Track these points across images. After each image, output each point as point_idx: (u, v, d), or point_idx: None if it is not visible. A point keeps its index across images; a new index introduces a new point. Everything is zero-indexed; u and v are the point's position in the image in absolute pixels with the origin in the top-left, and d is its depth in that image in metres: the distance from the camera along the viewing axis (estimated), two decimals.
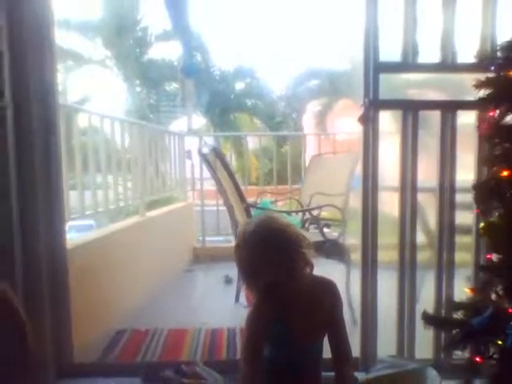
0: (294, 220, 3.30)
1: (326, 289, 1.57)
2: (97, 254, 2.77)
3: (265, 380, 1.50)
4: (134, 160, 3.65)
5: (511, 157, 1.18)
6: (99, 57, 12.29)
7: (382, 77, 1.94)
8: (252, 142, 7.32)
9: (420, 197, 2.88)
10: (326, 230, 3.16)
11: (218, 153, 2.99)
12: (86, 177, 3.04)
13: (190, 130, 4.90)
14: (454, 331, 1.25)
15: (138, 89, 11.71)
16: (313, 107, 9.38)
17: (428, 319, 1.32)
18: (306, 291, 1.51)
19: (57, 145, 2.13)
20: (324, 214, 3.52)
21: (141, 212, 3.57)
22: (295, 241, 1.49)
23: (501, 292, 1.18)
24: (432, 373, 1.57)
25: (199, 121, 10.44)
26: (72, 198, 2.83)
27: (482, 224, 1.27)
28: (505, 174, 1.16)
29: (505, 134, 1.19)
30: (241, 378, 1.50)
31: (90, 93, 11.08)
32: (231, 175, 2.89)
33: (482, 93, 1.35)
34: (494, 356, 1.17)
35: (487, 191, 1.22)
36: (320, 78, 10.42)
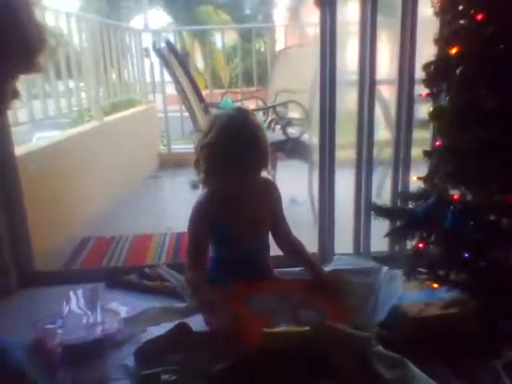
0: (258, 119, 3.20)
1: (266, 188, 1.56)
2: (53, 159, 2.67)
3: (214, 279, 1.51)
4: (86, 61, 3.41)
5: (462, 30, 1.08)
6: None
7: None
8: (221, 40, 6.88)
9: (385, 91, 2.81)
10: (291, 130, 3.08)
11: (171, 46, 2.79)
12: (33, 86, 2.85)
13: (147, 25, 4.55)
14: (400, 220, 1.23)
15: None
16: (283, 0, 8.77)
17: (376, 209, 1.31)
18: (249, 192, 1.50)
19: None
20: (293, 113, 3.42)
21: (97, 116, 3.40)
22: (265, 145, 1.44)
23: (444, 177, 1.15)
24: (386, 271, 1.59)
25: (162, 18, 9.74)
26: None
27: (430, 109, 1.20)
28: (453, 51, 1.07)
29: (459, 8, 1.08)
30: (187, 281, 1.51)
31: None
32: (187, 71, 2.73)
33: None
34: (435, 240, 1.17)
35: (436, 71, 1.13)
36: None
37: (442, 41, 1.17)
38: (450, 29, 1.14)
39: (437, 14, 1.17)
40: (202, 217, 1.48)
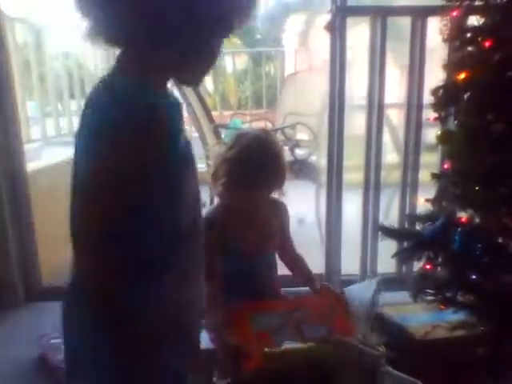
0: None
1: (277, 208, 1.59)
2: (63, 176, 2.68)
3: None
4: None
5: (470, 57, 1.10)
6: None
7: None
8: (232, 63, 6.99)
9: (392, 114, 2.84)
10: (299, 151, 3.10)
11: None
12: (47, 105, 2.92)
13: None
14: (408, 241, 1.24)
15: None
16: (293, 23, 8.90)
17: (384, 230, 1.31)
18: (260, 210, 1.52)
19: (5, 61, 1.99)
20: (300, 135, 3.45)
21: None
22: (284, 168, 1.48)
23: (452, 200, 1.16)
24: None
25: None
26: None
27: (438, 132, 1.22)
28: (461, 76, 1.09)
29: (467, 34, 1.10)
30: (206, 295, 1.52)
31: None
32: (198, 93, 2.77)
33: None
34: (443, 262, 1.17)
35: (444, 96, 1.15)
36: None
37: (451, 66, 1.20)
38: (458, 55, 1.16)
39: (445, 40, 1.20)
40: (211, 227, 1.51)
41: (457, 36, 1.15)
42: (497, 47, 1.05)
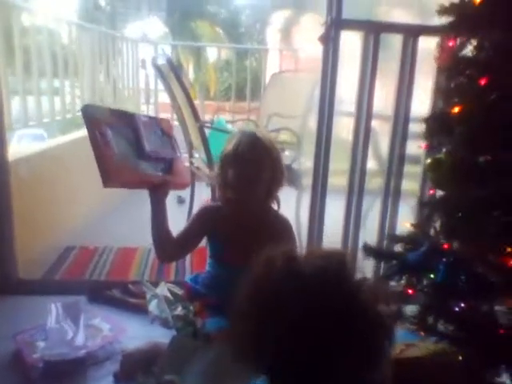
0: None
1: (280, 228, 1.55)
2: (43, 166, 2.65)
3: (202, 294, 1.56)
4: (82, 66, 3.41)
5: (465, 91, 1.13)
6: None
7: None
8: (213, 54, 6.95)
9: (375, 124, 2.88)
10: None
11: (172, 65, 2.80)
12: (29, 81, 2.83)
13: (145, 36, 4.56)
14: (390, 263, 1.27)
15: None
16: (277, 19, 8.84)
17: (368, 250, 1.34)
18: (253, 220, 1.51)
19: None
20: (283, 137, 3.45)
21: None
22: (272, 171, 1.48)
23: (438, 228, 1.20)
24: None
25: (159, 28, 9.73)
26: (15, 106, 2.65)
27: (428, 160, 1.25)
28: (456, 109, 1.12)
29: (462, 66, 1.13)
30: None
31: None
32: (186, 91, 2.74)
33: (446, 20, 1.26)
34: (425, 289, 1.20)
35: (437, 125, 1.18)
36: None
37: (443, 94, 1.22)
38: (451, 84, 1.19)
39: (443, 70, 1.22)
40: (200, 218, 1.55)
41: (450, 66, 1.18)
42: (491, 84, 1.08)
